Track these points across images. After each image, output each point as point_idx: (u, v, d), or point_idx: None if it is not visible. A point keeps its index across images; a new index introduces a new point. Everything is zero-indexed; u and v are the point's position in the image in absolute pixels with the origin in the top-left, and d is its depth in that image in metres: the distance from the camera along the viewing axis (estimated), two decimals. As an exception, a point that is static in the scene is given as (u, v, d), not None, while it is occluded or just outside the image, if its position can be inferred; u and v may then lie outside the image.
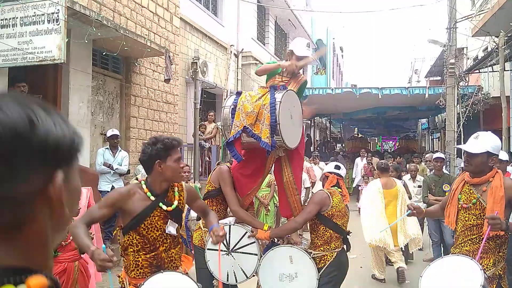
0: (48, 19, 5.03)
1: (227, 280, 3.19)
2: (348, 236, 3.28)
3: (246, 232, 3.18)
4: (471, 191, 2.76)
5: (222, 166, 3.41)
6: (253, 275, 3.18)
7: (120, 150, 6.46)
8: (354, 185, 12.89)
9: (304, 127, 3.52)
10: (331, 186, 3.29)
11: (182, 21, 10.16)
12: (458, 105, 11.03)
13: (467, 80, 11.58)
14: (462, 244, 2.76)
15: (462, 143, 10.99)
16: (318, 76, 25.80)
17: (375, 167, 6.95)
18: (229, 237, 3.20)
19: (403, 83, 29.64)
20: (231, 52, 11.08)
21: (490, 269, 2.63)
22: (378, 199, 5.24)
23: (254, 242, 3.16)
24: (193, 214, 2.67)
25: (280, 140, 3.05)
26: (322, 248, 3.13)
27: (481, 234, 2.64)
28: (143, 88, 8.40)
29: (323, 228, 3.14)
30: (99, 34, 5.85)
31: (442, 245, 5.83)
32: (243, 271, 3.16)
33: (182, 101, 10.00)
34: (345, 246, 3.28)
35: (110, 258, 2.04)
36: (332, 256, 3.12)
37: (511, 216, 2.72)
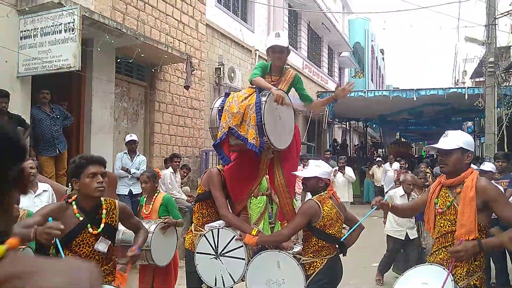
0: (65, 28, 5.24)
1: (215, 285, 3.12)
2: (342, 241, 3.10)
3: (234, 236, 3.10)
4: (447, 194, 2.57)
5: (212, 169, 3.35)
6: (241, 280, 3.09)
7: (138, 155, 6.59)
8: (386, 191, 12.36)
9: (296, 126, 3.36)
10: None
11: (210, 28, 10.28)
12: (500, 106, 10.38)
13: (510, 79, 10.87)
14: (437, 252, 2.57)
15: (506, 147, 10.29)
16: (356, 79, 25.28)
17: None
18: (218, 240, 3.13)
19: (448, 84, 28.33)
20: (256, 55, 11.05)
21: (463, 279, 2.40)
22: None
23: (242, 246, 3.07)
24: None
25: (267, 141, 2.96)
26: (311, 255, 2.98)
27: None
28: (167, 94, 8.55)
29: (315, 239, 2.98)
30: (112, 41, 6.02)
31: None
32: (231, 276, 3.08)
33: (209, 106, 10.08)
34: (339, 251, 3.10)
35: (57, 226, 2.10)
36: (322, 262, 2.95)
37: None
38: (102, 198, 2.58)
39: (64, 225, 2.29)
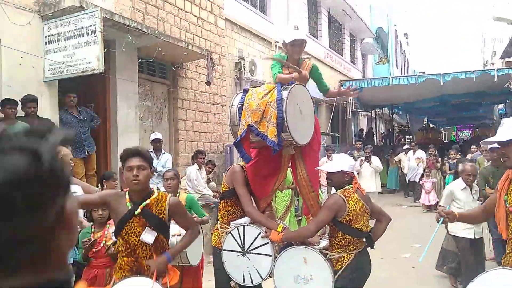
0: (87, 31, 5.32)
1: (243, 282, 3.14)
2: (370, 234, 3.06)
3: (260, 232, 3.11)
4: None
5: (234, 166, 3.36)
6: (269, 277, 3.10)
7: (164, 153, 6.68)
8: (407, 179, 12.07)
9: (315, 120, 3.31)
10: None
11: (229, 22, 10.25)
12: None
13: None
14: None
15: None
16: (380, 66, 24.77)
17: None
18: (244, 237, 3.15)
19: (477, 66, 27.30)
20: (276, 46, 10.97)
21: None
22: None
23: (268, 242, 3.08)
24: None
25: (289, 138, 2.93)
26: (338, 250, 2.95)
27: None
28: (190, 91, 8.61)
29: (341, 234, 2.95)
30: (133, 42, 6.08)
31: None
32: (258, 273, 3.09)
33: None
34: (366, 245, 3.06)
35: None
36: (349, 257, 2.92)
37: None
38: (155, 190, 2.63)
39: (117, 213, 2.51)
